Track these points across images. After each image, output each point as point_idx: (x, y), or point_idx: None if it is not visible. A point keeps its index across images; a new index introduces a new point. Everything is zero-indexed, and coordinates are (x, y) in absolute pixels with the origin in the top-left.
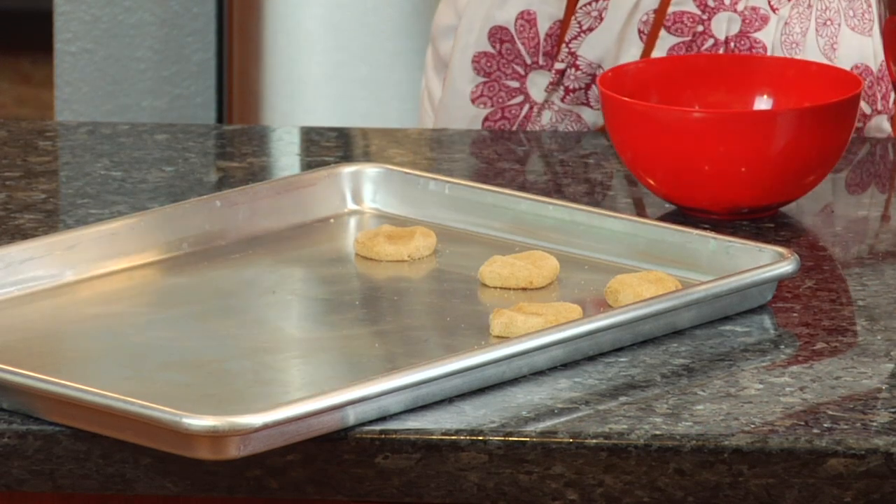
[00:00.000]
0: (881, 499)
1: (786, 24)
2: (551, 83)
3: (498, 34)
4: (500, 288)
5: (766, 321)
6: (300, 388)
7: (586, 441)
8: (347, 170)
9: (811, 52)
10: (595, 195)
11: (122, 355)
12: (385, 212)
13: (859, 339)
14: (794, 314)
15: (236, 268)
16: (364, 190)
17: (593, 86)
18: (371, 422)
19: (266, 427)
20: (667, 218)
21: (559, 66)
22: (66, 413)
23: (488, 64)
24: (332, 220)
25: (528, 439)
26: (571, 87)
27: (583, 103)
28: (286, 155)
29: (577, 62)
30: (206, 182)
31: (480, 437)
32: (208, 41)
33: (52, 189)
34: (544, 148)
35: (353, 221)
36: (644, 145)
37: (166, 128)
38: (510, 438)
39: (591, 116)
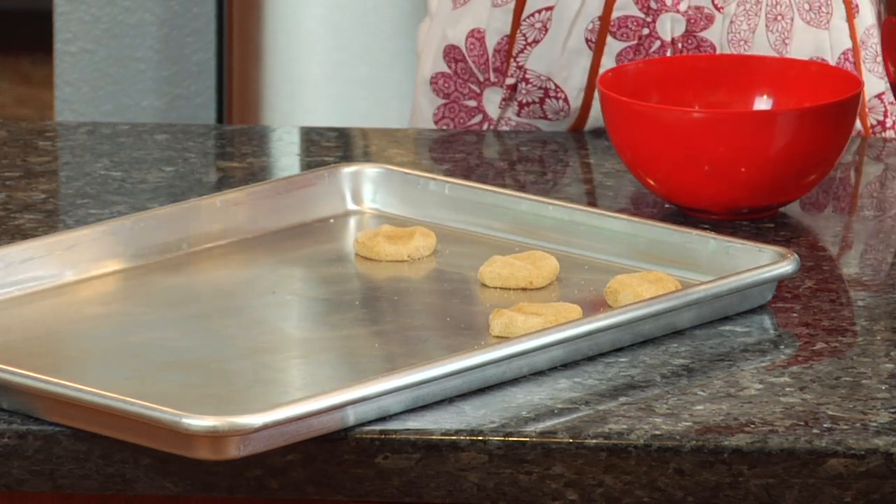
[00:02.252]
0: (881, 499)
1: (731, 21)
2: (504, 99)
3: (451, 53)
4: (500, 288)
5: (766, 321)
6: (300, 388)
7: (586, 441)
8: (347, 170)
9: (761, 48)
10: (595, 195)
11: (122, 355)
12: (385, 212)
13: (859, 339)
14: (794, 314)
15: (236, 268)
16: (364, 190)
17: (547, 99)
18: (371, 422)
19: (266, 427)
20: (667, 218)
21: (510, 81)
22: (66, 413)
23: (446, 85)
24: (332, 220)
25: (528, 439)
26: (524, 101)
27: (539, 117)
28: (286, 155)
29: (527, 76)
30: (206, 182)
31: (480, 437)
32: (208, 41)
33: (52, 189)
34: (544, 148)
35: (353, 221)
36: (644, 145)
37: (166, 128)
38: (510, 438)
39: (549, 128)
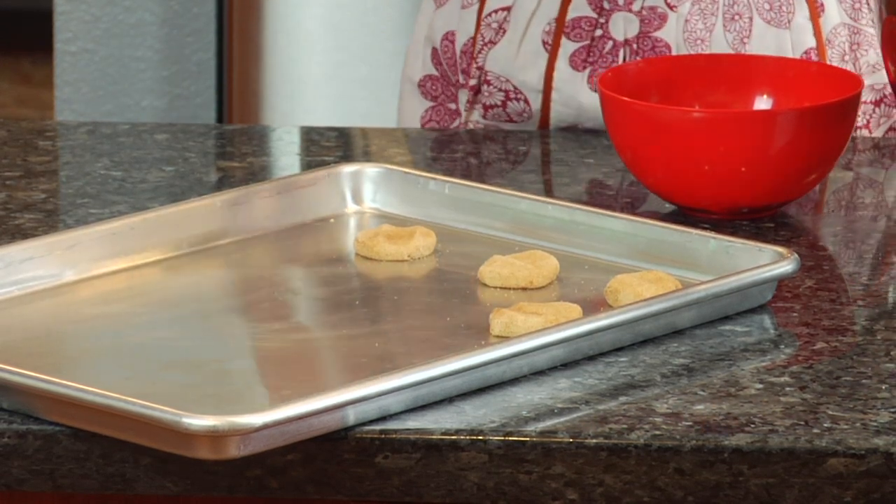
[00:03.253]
0: (881, 499)
1: (686, 21)
2: (468, 101)
3: (436, 56)
4: (500, 288)
5: (766, 321)
6: (300, 388)
7: (586, 441)
8: (347, 170)
9: (719, 47)
10: (595, 195)
11: (122, 355)
12: (385, 212)
13: (859, 339)
14: (794, 314)
15: (236, 268)
16: (364, 190)
17: (509, 101)
18: (371, 422)
19: (266, 427)
20: (667, 218)
21: (472, 82)
22: (66, 413)
23: (433, 87)
24: (332, 220)
25: (528, 439)
26: (488, 103)
27: (504, 120)
28: (286, 155)
29: (488, 77)
30: (206, 182)
31: (480, 437)
32: (208, 41)
33: (52, 189)
34: (544, 147)
35: (353, 221)
36: (644, 145)
37: (166, 128)
38: (510, 438)
39: (513, 129)
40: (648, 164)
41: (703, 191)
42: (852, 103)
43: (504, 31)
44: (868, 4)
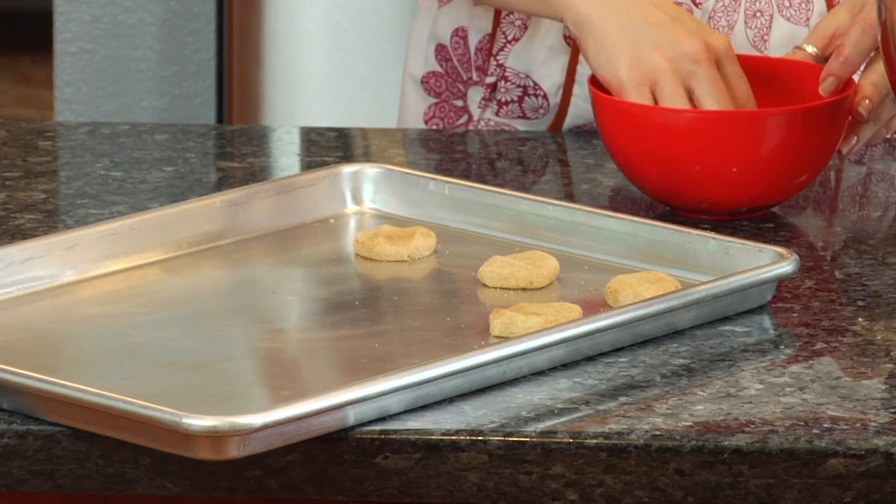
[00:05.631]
0: (881, 499)
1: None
2: (484, 98)
3: (441, 53)
4: (500, 288)
5: (766, 321)
6: (300, 388)
7: (586, 441)
8: (347, 170)
9: (740, 44)
10: (595, 195)
11: (122, 355)
12: (385, 212)
13: (859, 339)
14: (794, 314)
15: (236, 268)
16: (364, 190)
17: (526, 97)
18: (371, 422)
19: (266, 427)
20: (667, 218)
21: (490, 80)
22: (66, 413)
23: (437, 84)
24: (332, 220)
25: (528, 439)
26: (503, 99)
27: (518, 116)
28: (286, 155)
29: (506, 74)
30: (206, 182)
31: (480, 437)
32: (208, 41)
33: (52, 189)
34: (544, 148)
35: (353, 221)
36: (635, 146)
37: (166, 128)
38: (510, 438)
39: (527, 128)
40: (640, 165)
41: (694, 192)
42: (843, 105)
43: (526, 28)
44: None
